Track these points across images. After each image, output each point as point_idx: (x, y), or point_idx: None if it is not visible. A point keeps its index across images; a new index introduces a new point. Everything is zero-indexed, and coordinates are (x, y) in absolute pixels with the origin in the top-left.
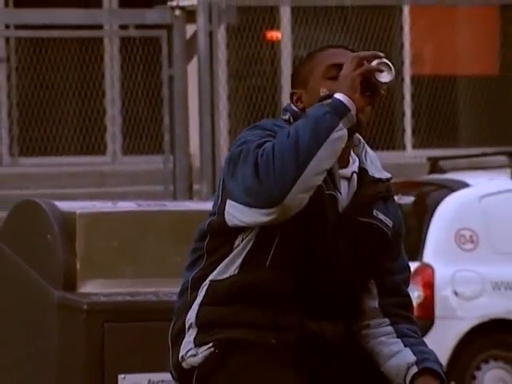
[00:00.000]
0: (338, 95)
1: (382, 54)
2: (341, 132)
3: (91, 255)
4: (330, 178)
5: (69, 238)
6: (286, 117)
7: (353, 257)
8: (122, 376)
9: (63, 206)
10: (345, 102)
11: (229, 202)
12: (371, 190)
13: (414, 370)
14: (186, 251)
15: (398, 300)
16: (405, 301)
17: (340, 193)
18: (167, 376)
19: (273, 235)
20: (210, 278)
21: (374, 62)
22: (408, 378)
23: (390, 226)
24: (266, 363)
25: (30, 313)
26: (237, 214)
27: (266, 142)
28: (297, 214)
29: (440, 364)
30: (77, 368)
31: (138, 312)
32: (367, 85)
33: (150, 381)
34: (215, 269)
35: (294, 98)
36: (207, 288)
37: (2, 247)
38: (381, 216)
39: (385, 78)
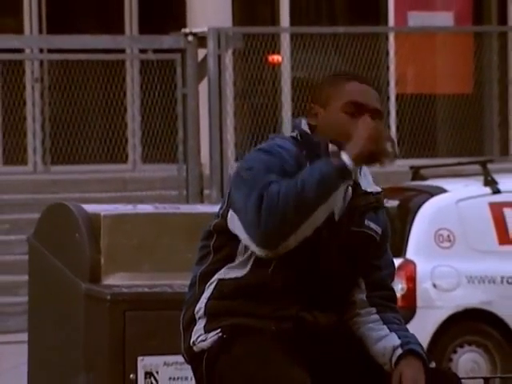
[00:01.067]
0: (345, 158)
1: (394, 141)
2: (340, 190)
3: (114, 252)
4: None
5: (94, 236)
6: (294, 134)
7: (345, 258)
8: (141, 358)
9: (89, 208)
10: (350, 168)
11: (231, 213)
12: (363, 202)
13: (399, 351)
14: (197, 248)
15: (383, 293)
16: (389, 294)
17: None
18: (180, 358)
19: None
20: (218, 276)
21: (387, 145)
22: (394, 359)
23: (380, 232)
24: (266, 347)
25: (60, 302)
26: (236, 228)
27: (271, 183)
28: None
29: (421, 346)
30: (101, 351)
31: (155, 302)
32: (371, 157)
33: (165, 362)
34: (222, 267)
35: (312, 112)
36: (215, 285)
37: (36, 245)
38: (372, 225)
39: (386, 162)
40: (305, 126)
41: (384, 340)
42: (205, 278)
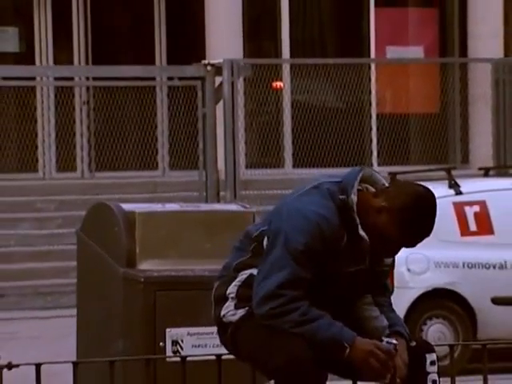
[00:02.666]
0: (347, 353)
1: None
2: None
3: (146, 242)
4: (362, 254)
5: (130, 230)
6: (342, 198)
7: (371, 287)
8: (169, 329)
9: (126, 207)
10: (345, 354)
11: (263, 257)
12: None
13: (387, 332)
14: (215, 240)
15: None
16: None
17: (367, 260)
18: (201, 329)
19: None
20: (251, 271)
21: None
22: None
23: (390, 262)
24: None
25: (102, 283)
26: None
27: (299, 284)
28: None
29: (405, 327)
30: (136, 324)
31: (180, 283)
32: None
33: (188, 333)
34: (255, 266)
35: (375, 200)
36: (246, 277)
37: (83, 237)
38: (387, 261)
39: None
40: (354, 199)
41: (375, 320)
42: (240, 268)
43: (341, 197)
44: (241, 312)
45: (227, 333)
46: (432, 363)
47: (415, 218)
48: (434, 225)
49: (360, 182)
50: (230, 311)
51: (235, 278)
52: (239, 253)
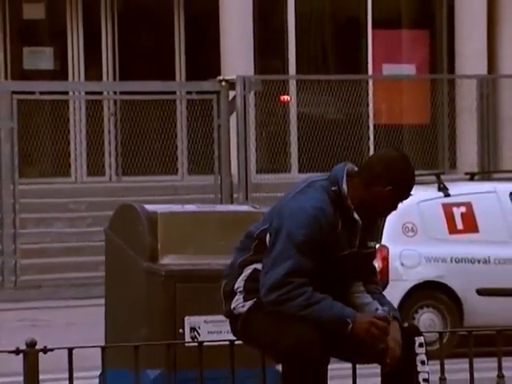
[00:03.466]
0: (349, 328)
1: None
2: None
3: (167, 239)
4: (354, 237)
5: (153, 228)
6: (334, 188)
7: (359, 270)
8: (187, 317)
9: (149, 207)
10: (348, 331)
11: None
12: (366, 228)
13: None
14: (229, 237)
15: (369, 276)
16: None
17: (356, 240)
18: (216, 317)
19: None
20: (255, 266)
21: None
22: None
23: (373, 245)
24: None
25: (127, 276)
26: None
27: (302, 271)
28: (323, 259)
29: (396, 310)
30: (157, 313)
31: (197, 276)
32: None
33: (205, 320)
34: (259, 261)
35: (358, 180)
36: (251, 272)
37: (111, 234)
38: (371, 243)
39: (377, 347)
40: (345, 188)
41: (368, 306)
42: (244, 265)
43: (333, 188)
44: (249, 303)
45: (238, 323)
46: (420, 345)
47: (396, 173)
48: (413, 172)
49: (346, 174)
50: (240, 303)
51: (241, 273)
52: (241, 252)
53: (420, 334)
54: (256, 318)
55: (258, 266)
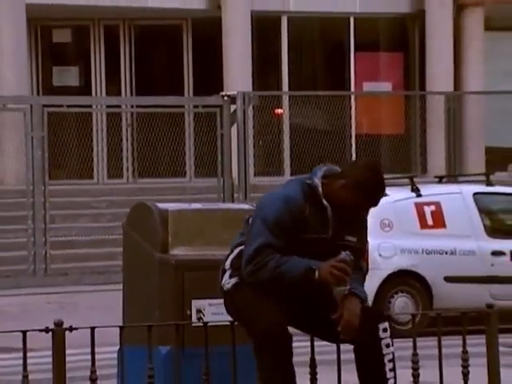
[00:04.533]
0: (316, 274)
1: (347, 280)
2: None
3: (176, 234)
4: (326, 225)
5: (164, 224)
6: (309, 182)
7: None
8: (194, 301)
9: (161, 206)
10: (316, 278)
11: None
12: (345, 224)
13: (345, 292)
14: (230, 231)
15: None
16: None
17: (329, 229)
18: (218, 301)
19: (287, 252)
20: (242, 247)
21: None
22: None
23: (354, 240)
24: (264, 293)
25: (142, 265)
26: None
27: (269, 246)
28: (297, 245)
29: (363, 292)
30: (168, 297)
31: (203, 266)
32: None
33: (209, 303)
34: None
35: (337, 181)
36: (238, 251)
37: (127, 229)
38: (349, 238)
39: (335, 291)
40: (319, 182)
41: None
42: (235, 246)
43: (307, 181)
44: (233, 280)
45: (226, 299)
46: (384, 330)
47: (368, 182)
48: (383, 184)
49: (325, 174)
50: (226, 280)
51: (231, 254)
52: (239, 236)
53: (384, 319)
54: (238, 297)
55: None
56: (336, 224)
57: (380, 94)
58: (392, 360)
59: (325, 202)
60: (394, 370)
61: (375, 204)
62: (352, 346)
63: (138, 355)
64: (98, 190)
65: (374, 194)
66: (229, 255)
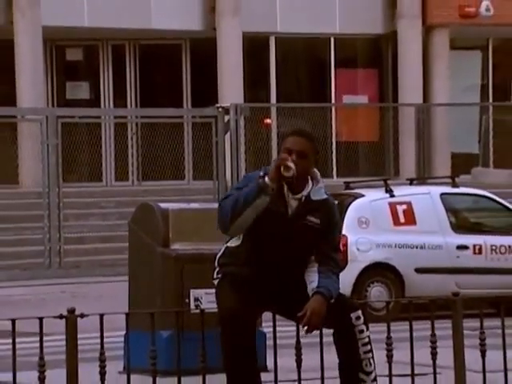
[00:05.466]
0: (266, 179)
1: (288, 163)
2: (260, 201)
3: (176, 230)
4: (283, 201)
5: (165, 221)
6: (261, 173)
7: (295, 240)
8: (192, 290)
9: (163, 205)
10: (268, 183)
11: None
12: (308, 206)
13: (312, 292)
14: None
15: (323, 255)
16: (327, 254)
17: (288, 207)
18: (213, 291)
19: (252, 231)
20: (227, 244)
21: (279, 164)
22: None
23: (318, 222)
24: (238, 284)
25: (145, 258)
26: None
27: (229, 195)
28: (262, 223)
29: (329, 290)
30: (170, 286)
31: (200, 259)
32: (279, 173)
33: (206, 292)
34: (229, 241)
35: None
36: (224, 249)
37: (133, 226)
38: (311, 218)
39: (285, 173)
40: (267, 180)
41: (311, 283)
42: (226, 242)
43: (260, 172)
44: (217, 277)
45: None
46: (357, 318)
47: (283, 137)
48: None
49: None
50: (214, 276)
51: (219, 251)
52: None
53: (356, 309)
54: (217, 290)
55: (229, 243)
56: (297, 206)
57: (357, 106)
58: (368, 343)
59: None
60: (370, 351)
61: (290, 143)
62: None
63: (142, 339)
64: (106, 192)
65: (287, 135)
66: (218, 253)
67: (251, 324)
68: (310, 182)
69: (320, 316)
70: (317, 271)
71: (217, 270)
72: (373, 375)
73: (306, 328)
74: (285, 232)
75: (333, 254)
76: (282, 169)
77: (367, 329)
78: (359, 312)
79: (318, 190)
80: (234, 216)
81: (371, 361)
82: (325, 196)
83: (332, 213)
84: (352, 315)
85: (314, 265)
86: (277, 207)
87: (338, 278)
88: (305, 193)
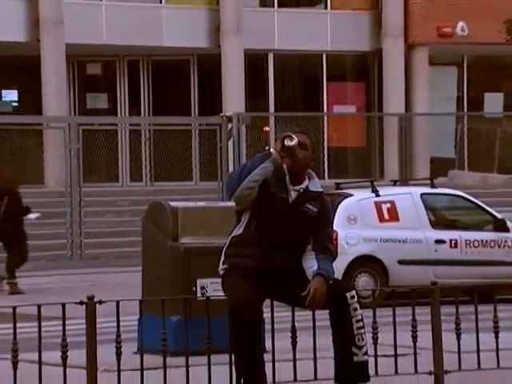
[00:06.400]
0: (271, 149)
1: (290, 134)
2: (264, 166)
3: (185, 226)
4: (285, 189)
5: (175, 218)
6: (267, 148)
7: (294, 225)
8: (198, 280)
9: (173, 204)
10: (272, 152)
11: None
12: (307, 195)
13: (313, 274)
14: (227, 224)
15: (320, 244)
16: (324, 245)
17: (289, 195)
18: (218, 280)
19: (255, 215)
20: (232, 234)
21: (287, 137)
22: (311, 278)
23: (316, 210)
24: (239, 276)
25: (157, 251)
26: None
27: (233, 172)
28: (265, 206)
29: (327, 272)
30: (178, 276)
31: (206, 252)
32: (284, 146)
33: (211, 282)
34: (234, 229)
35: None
36: (230, 239)
37: (146, 222)
38: (310, 207)
39: (288, 143)
40: (272, 150)
41: (311, 268)
42: (228, 236)
43: (267, 150)
44: (223, 268)
45: (221, 280)
46: (352, 297)
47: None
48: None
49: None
50: (220, 266)
51: (226, 243)
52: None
53: (351, 289)
54: (225, 280)
55: (233, 232)
56: (297, 196)
57: (346, 115)
58: (360, 320)
59: (284, 167)
60: (362, 327)
61: (285, 147)
62: (326, 315)
63: (154, 323)
64: (122, 191)
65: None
66: (225, 244)
67: (258, 312)
68: (307, 179)
69: (322, 294)
70: (315, 258)
71: (222, 260)
72: (364, 349)
73: (310, 305)
74: (286, 216)
75: (328, 245)
76: (286, 140)
77: (360, 307)
78: (353, 292)
79: (316, 183)
80: (241, 179)
81: (363, 336)
82: (321, 189)
83: (326, 204)
84: (347, 294)
85: (311, 253)
86: (280, 193)
87: (333, 266)
88: (303, 186)
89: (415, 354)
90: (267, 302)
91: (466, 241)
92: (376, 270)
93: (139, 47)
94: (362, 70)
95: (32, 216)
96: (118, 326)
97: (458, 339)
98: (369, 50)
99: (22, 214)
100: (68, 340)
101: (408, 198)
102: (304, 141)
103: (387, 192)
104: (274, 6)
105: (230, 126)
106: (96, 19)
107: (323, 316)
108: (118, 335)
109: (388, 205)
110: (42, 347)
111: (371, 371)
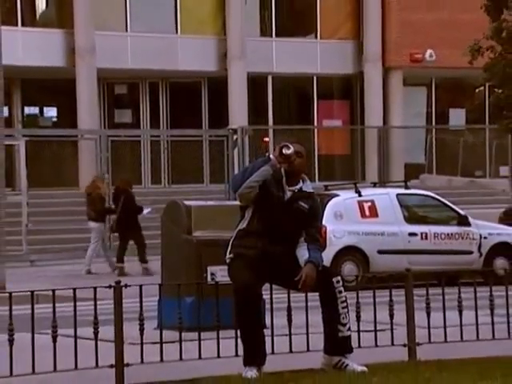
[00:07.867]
0: (271, 155)
1: (287, 143)
2: (264, 169)
3: (197, 222)
4: (282, 189)
5: (189, 215)
6: (266, 155)
7: (290, 219)
8: (209, 267)
9: (187, 203)
10: (271, 158)
11: None
12: (300, 195)
13: (305, 261)
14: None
15: (311, 237)
16: (314, 236)
17: (285, 194)
18: (226, 267)
19: (257, 211)
20: (238, 228)
21: (284, 146)
22: (303, 264)
23: (307, 207)
24: (243, 264)
25: (174, 243)
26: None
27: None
28: (265, 203)
29: (317, 259)
30: (191, 265)
31: (215, 244)
32: (282, 153)
33: (220, 269)
34: (239, 223)
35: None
36: (236, 232)
37: (164, 218)
38: (302, 204)
39: (286, 152)
40: (272, 157)
41: (303, 257)
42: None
43: (266, 156)
44: (229, 256)
45: (227, 267)
46: (337, 282)
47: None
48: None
49: None
50: (227, 255)
51: (233, 235)
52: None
53: (337, 275)
54: (230, 267)
55: (239, 226)
56: (292, 195)
57: (334, 128)
58: (344, 301)
59: (282, 170)
60: (346, 307)
61: (282, 155)
62: (317, 297)
63: (171, 303)
64: (144, 192)
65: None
66: (231, 238)
67: (259, 293)
68: (301, 181)
69: (312, 278)
70: (307, 248)
71: (229, 249)
72: (348, 326)
73: (302, 288)
74: (282, 212)
75: (318, 237)
76: (283, 149)
77: (344, 290)
78: (339, 277)
79: (308, 185)
80: (244, 179)
81: (347, 315)
82: (312, 190)
83: (316, 202)
84: (334, 279)
85: (304, 244)
86: (277, 192)
87: (322, 255)
88: (298, 187)
89: (392, 329)
90: (267, 285)
91: (435, 233)
92: (359, 258)
93: (158, 71)
94: (347, 90)
95: (145, 211)
96: (141, 306)
97: (428, 316)
98: (352, 72)
99: (136, 211)
100: (99, 318)
101: (386, 197)
102: (300, 150)
103: (368, 192)
104: (272, 36)
105: (235, 137)
106: (122, 47)
107: (314, 297)
108: (141, 314)
109: (369, 203)
110: (77, 324)
111: (355, 344)
